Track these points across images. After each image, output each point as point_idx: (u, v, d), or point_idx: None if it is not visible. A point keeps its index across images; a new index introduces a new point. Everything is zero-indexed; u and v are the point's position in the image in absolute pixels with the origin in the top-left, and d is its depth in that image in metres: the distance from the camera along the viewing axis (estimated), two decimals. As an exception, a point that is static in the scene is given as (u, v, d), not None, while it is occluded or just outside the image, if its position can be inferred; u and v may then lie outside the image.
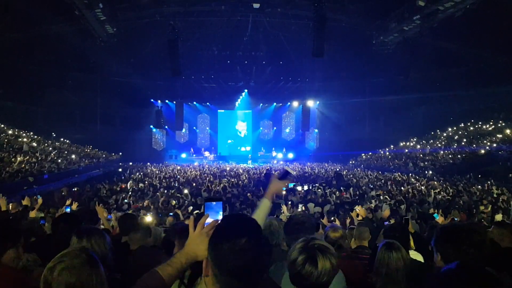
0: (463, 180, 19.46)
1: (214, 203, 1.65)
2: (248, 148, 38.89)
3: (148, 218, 6.10)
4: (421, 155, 27.61)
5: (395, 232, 3.51)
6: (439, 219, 8.05)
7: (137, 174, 23.61)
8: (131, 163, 29.97)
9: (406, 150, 29.60)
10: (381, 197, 13.07)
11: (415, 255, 3.70)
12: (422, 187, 16.82)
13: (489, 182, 17.42)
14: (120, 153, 32.60)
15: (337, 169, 25.65)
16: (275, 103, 38.78)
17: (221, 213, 1.67)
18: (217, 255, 1.32)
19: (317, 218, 8.10)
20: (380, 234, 4.53)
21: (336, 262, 1.93)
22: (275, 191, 2.40)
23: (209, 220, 1.60)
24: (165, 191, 15.35)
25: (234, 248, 1.28)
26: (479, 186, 16.83)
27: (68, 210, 7.10)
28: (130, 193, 15.16)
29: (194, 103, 38.08)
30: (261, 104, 38.82)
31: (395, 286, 2.55)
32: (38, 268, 2.64)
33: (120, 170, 26.22)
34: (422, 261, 3.67)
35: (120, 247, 3.84)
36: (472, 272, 1.48)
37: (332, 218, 7.70)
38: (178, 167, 27.83)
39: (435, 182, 18.58)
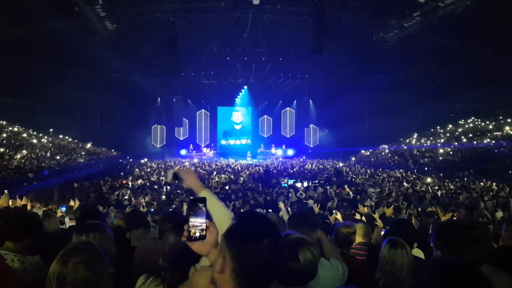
0: (463, 177, 19.48)
1: (202, 205, 1.58)
2: (244, 141, 38.79)
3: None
4: (418, 152, 27.64)
5: (400, 229, 3.51)
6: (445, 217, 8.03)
7: (137, 170, 23.63)
8: (131, 160, 29.97)
9: (405, 147, 29.60)
10: (384, 194, 13.10)
11: (417, 252, 3.71)
12: (418, 182, 16.93)
13: (489, 180, 17.45)
14: (120, 150, 32.59)
15: (337, 166, 25.67)
16: (274, 100, 38.72)
17: (204, 216, 1.58)
18: (240, 255, 1.31)
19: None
20: (376, 230, 4.55)
21: (316, 251, 1.94)
22: (195, 183, 2.18)
23: (196, 223, 1.56)
24: (166, 187, 15.36)
25: (260, 248, 1.29)
26: (482, 183, 16.85)
27: (63, 209, 7.05)
28: (130, 189, 15.17)
29: (194, 99, 38.00)
30: (261, 101, 38.78)
31: (399, 283, 2.55)
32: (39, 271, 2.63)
33: (119, 166, 26.24)
34: (423, 258, 3.68)
35: (121, 244, 3.84)
36: (460, 267, 1.50)
37: (334, 211, 7.70)
38: (173, 163, 27.92)
39: (429, 179, 18.63)
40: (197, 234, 1.56)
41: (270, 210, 8.60)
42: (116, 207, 9.51)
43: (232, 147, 38.15)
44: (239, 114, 39.39)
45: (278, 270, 1.37)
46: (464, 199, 12.42)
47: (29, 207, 6.89)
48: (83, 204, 9.99)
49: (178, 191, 14.21)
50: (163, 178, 19.44)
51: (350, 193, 13.06)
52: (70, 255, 1.68)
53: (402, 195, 12.91)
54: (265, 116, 39.52)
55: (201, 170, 23.02)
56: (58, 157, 23.00)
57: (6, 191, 6.40)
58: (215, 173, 21.20)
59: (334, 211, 7.43)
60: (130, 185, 16.70)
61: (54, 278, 1.66)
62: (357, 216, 7.00)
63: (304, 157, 34.66)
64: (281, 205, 7.78)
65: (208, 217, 1.60)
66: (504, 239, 3.22)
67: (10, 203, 6.83)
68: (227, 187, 15.40)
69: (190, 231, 1.55)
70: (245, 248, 1.31)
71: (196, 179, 2.21)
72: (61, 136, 28.86)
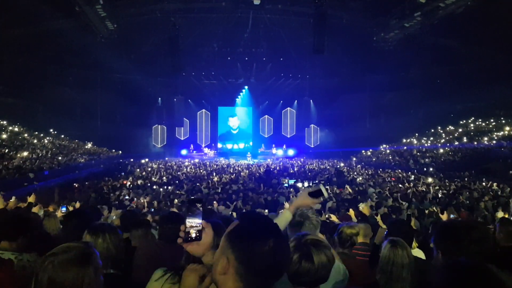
0: (464, 177, 19.46)
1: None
2: (242, 145, 38.72)
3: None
4: (419, 152, 27.62)
5: (399, 229, 3.50)
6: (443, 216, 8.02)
7: (138, 170, 23.63)
8: (132, 160, 29.97)
9: (405, 147, 29.58)
10: (384, 194, 13.09)
11: (417, 252, 3.70)
12: (419, 183, 16.91)
13: (490, 180, 17.43)
14: (121, 150, 32.60)
15: (338, 166, 25.66)
16: (275, 100, 38.71)
17: (201, 217, 1.57)
18: (245, 256, 1.30)
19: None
20: (379, 230, 4.54)
21: (331, 255, 1.94)
22: (300, 205, 2.33)
23: (193, 223, 1.54)
24: (166, 187, 15.37)
25: (264, 249, 1.28)
26: (482, 183, 16.84)
27: (64, 209, 7.04)
28: (130, 189, 15.16)
29: (195, 99, 37.99)
30: (262, 101, 38.77)
31: (400, 283, 2.54)
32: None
33: (120, 166, 26.24)
34: (424, 258, 3.68)
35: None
36: (474, 269, 1.49)
37: (329, 215, 7.70)
38: (173, 163, 27.91)
39: (430, 179, 18.61)
40: (193, 235, 1.54)
41: (266, 211, 8.60)
42: (117, 207, 9.51)
43: (230, 150, 38.11)
44: (235, 119, 39.33)
45: (282, 271, 1.37)
46: (465, 199, 12.41)
47: (37, 210, 6.85)
48: (83, 204, 10.01)
49: (177, 191, 14.21)
50: (164, 178, 19.50)
51: (351, 192, 13.06)
52: (51, 254, 1.66)
53: (402, 195, 12.90)
54: (266, 116, 39.50)
55: (201, 170, 23.04)
56: (59, 158, 23.00)
57: (1, 192, 6.39)
58: (215, 173, 21.21)
59: (322, 212, 7.39)
60: (131, 186, 16.68)
61: (34, 274, 1.67)
62: (353, 218, 6.97)
63: (304, 157, 34.66)
64: (287, 205, 7.77)
65: (204, 217, 1.58)
66: (499, 240, 3.21)
67: (12, 203, 6.83)
68: (227, 187, 15.40)
69: (189, 232, 1.54)
70: (250, 249, 1.29)
71: (304, 205, 2.35)
72: (61, 136, 28.87)
